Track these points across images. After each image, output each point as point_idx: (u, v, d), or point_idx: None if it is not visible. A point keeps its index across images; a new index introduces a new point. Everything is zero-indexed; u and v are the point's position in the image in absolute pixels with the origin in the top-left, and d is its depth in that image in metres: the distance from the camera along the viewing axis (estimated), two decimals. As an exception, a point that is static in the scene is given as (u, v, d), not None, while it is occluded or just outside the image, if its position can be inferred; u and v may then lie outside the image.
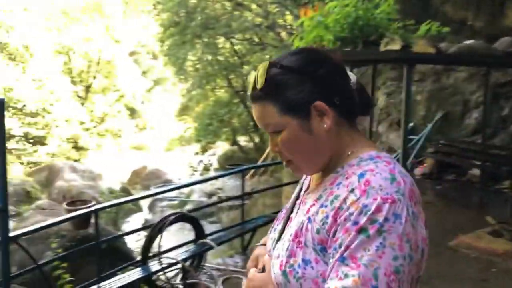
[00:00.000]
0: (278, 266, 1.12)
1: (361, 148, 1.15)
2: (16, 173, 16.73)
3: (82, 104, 23.98)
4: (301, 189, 1.32)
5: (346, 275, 0.97)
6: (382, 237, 0.97)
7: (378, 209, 0.99)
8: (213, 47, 16.45)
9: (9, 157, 18.23)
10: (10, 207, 14.01)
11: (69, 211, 3.76)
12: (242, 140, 22.26)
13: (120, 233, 7.36)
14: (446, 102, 9.61)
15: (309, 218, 1.11)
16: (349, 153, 1.15)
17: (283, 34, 17.88)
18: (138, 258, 4.92)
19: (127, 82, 27.04)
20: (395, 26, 5.84)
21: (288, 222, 1.24)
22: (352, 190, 1.04)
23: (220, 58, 16.92)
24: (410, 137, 9.40)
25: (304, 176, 1.35)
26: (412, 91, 8.22)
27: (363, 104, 1.21)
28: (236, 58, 18.03)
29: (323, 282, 1.03)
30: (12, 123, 18.60)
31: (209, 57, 16.36)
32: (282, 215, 1.32)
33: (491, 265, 5.15)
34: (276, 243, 1.21)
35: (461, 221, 6.63)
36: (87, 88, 25.45)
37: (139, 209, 15.57)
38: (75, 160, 20.87)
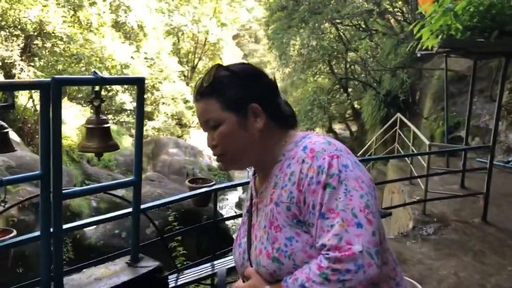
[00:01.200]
0: (266, 256, 1.23)
1: (291, 137, 1.34)
2: (126, 144, 17.96)
3: (187, 84, 25.06)
4: (251, 199, 1.44)
5: (331, 226, 1.11)
6: (344, 184, 1.14)
7: (330, 165, 1.17)
8: (318, 32, 16.19)
9: (121, 130, 19.64)
10: (120, 175, 15.08)
11: (192, 188, 3.90)
12: (338, 128, 21.87)
13: (235, 213, 7.60)
14: None
15: (276, 203, 1.24)
16: (283, 143, 1.33)
17: (392, 21, 17.11)
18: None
19: (230, 64, 27.69)
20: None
21: (252, 229, 1.36)
22: (303, 161, 1.21)
23: (324, 43, 16.62)
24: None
25: (250, 186, 1.46)
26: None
27: (290, 115, 1.41)
28: (340, 44, 17.61)
29: (311, 248, 1.17)
30: (125, 98, 19.97)
31: (314, 43, 16.13)
32: (242, 230, 1.44)
33: None
34: (249, 250, 1.35)
35: None
36: (193, 68, 26.53)
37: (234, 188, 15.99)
38: (178, 136, 21.97)
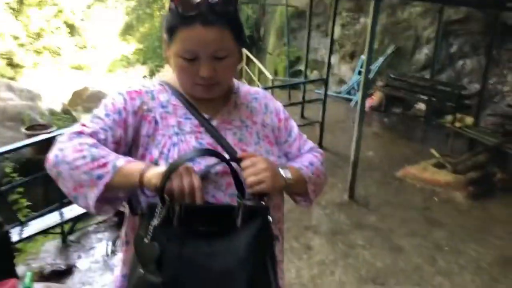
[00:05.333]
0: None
1: None
2: None
3: (16, 17, 22.09)
4: (193, 117, 1.33)
5: (306, 139, 1.51)
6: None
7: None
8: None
9: None
10: None
11: (30, 136, 3.56)
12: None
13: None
14: (399, 37, 9.75)
15: (263, 125, 1.41)
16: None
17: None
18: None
19: (65, -4, 25.04)
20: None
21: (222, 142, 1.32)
22: (271, 99, 1.51)
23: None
24: (361, 69, 9.57)
25: (184, 111, 1.34)
26: (367, 23, 8.25)
27: None
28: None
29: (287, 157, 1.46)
30: None
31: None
32: (185, 146, 1.27)
33: (434, 195, 5.56)
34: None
35: (406, 153, 7.02)
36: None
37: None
38: (10, 78, 19.58)
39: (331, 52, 6.92)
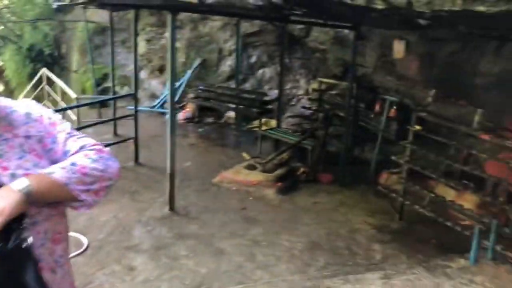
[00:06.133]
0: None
1: None
2: None
3: None
4: None
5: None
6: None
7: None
8: None
9: None
10: None
11: None
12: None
13: None
14: (203, 50, 10.18)
15: (27, 137, 1.33)
16: None
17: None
18: None
19: None
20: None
21: None
22: (28, 110, 1.40)
23: None
24: (172, 83, 9.71)
25: None
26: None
27: None
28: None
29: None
30: None
31: None
32: None
33: (248, 195, 5.92)
34: None
35: (221, 159, 7.35)
36: None
37: None
38: None
39: (136, 67, 6.85)
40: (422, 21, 4.08)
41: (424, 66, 5.35)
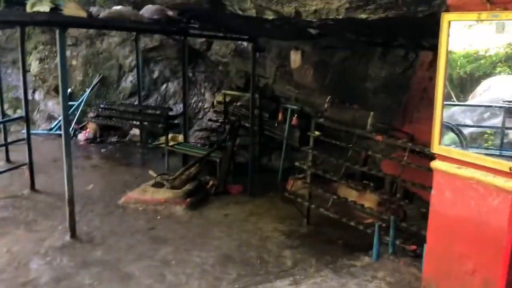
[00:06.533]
0: None
1: None
2: None
3: None
4: None
5: None
6: None
7: None
8: None
9: None
10: None
11: None
12: None
13: None
14: (102, 67, 9.79)
15: None
16: None
17: None
18: None
19: None
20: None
21: None
22: None
23: None
24: (70, 103, 9.22)
25: None
26: (67, 56, 8.02)
27: None
28: None
29: None
30: None
31: None
32: None
33: (157, 214, 5.74)
34: None
35: (127, 179, 7.08)
36: None
37: None
38: None
39: (26, 88, 6.40)
40: (312, 31, 4.25)
41: (319, 74, 5.58)
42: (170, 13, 5.69)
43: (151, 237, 5.13)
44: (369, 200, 5.84)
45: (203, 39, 8.51)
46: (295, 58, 6.07)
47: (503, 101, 3.69)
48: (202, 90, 9.44)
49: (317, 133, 5.21)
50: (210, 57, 8.86)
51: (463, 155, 2.60)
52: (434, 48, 4.47)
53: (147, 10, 5.79)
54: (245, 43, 7.77)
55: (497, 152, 3.19)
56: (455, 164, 2.64)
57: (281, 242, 5.06)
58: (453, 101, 3.25)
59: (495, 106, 3.62)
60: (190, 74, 9.47)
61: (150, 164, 7.83)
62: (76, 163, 7.81)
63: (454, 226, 2.69)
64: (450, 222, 2.71)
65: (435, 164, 2.78)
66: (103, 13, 5.28)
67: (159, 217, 5.68)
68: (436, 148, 2.74)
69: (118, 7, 5.57)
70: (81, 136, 9.29)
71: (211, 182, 6.67)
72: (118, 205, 6.00)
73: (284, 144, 7.37)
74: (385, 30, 3.96)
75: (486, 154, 2.65)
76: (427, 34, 3.92)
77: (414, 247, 4.20)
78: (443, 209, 2.75)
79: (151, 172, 6.62)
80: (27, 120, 6.42)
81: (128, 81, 9.68)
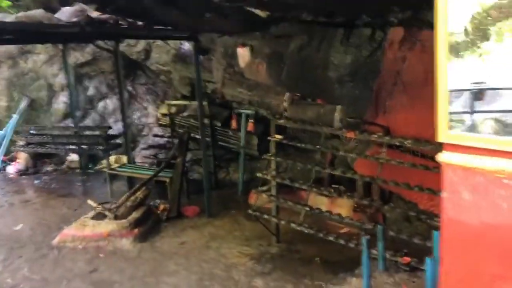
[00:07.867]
0: None
1: None
2: None
3: None
4: None
5: None
6: None
7: None
8: None
9: None
10: None
11: None
12: None
13: None
14: (29, 89, 8.69)
15: None
16: None
17: None
18: None
19: None
20: None
21: None
22: None
23: None
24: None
25: None
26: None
27: None
28: None
29: None
30: None
31: None
32: None
33: (99, 251, 4.81)
34: None
35: (64, 213, 6.10)
36: None
37: None
38: None
39: None
40: (262, 14, 3.55)
41: (273, 68, 4.88)
42: (93, 14, 4.86)
43: (92, 282, 4.22)
44: (343, 206, 5.20)
45: (141, 48, 7.67)
46: (243, 55, 5.34)
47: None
48: (145, 104, 8.56)
49: (278, 136, 4.49)
50: (150, 67, 8.01)
51: (486, 141, 1.92)
52: (405, 23, 3.92)
53: (64, 13, 4.92)
54: (186, 46, 7.00)
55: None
56: (474, 155, 1.96)
57: (250, 269, 4.28)
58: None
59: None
60: (130, 88, 8.57)
61: (91, 192, 6.88)
62: (4, 200, 6.77)
63: (480, 238, 2.01)
64: (474, 232, 2.03)
65: (444, 157, 2.08)
66: (9, 18, 4.39)
67: (102, 255, 4.75)
68: (444, 136, 2.05)
69: (29, 11, 4.69)
70: (11, 169, 8.16)
71: (162, 206, 5.82)
72: (53, 245, 5.02)
73: (242, 154, 6.63)
74: (347, 5, 3.31)
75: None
76: (396, 5, 3.31)
77: (407, 259, 3.55)
78: (461, 215, 2.06)
79: (90, 202, 5.67)
80: None
81: (60, 101, 8.61)
